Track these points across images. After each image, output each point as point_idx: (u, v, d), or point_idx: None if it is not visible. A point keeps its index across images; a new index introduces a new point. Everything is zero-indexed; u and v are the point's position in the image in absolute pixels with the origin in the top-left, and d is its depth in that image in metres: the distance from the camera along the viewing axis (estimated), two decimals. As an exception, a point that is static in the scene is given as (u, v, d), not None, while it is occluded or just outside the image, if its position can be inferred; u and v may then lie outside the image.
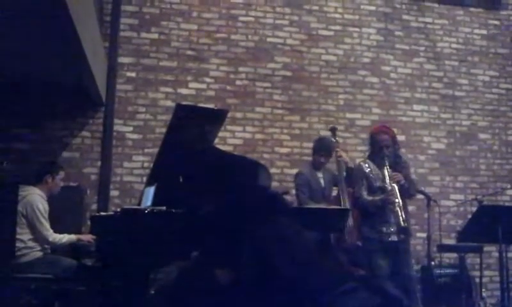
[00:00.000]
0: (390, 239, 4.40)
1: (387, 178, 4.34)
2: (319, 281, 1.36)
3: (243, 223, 1.60)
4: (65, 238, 4.59)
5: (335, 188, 5.25)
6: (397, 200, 4.28)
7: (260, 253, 1.44)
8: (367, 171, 4.53)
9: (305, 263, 1.38)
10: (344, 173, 5.05)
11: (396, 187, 4.32)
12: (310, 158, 5.49)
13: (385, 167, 4.38)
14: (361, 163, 4.63)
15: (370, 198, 4.47)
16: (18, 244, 4.37)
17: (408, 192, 4.57)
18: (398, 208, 4.25)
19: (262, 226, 1.50)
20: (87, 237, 4.61)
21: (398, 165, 4.55)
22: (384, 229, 4.40)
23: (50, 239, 4.51)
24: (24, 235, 4.44)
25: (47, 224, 4.53)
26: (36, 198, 4.55)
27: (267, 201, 1.75)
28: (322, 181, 5.18)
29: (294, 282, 1.35)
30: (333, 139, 5.25)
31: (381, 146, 4.47)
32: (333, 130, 5.34)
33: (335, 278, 1.41)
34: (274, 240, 1.42)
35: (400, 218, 4.22)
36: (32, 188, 4.62)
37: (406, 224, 4.26)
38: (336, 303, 1.30)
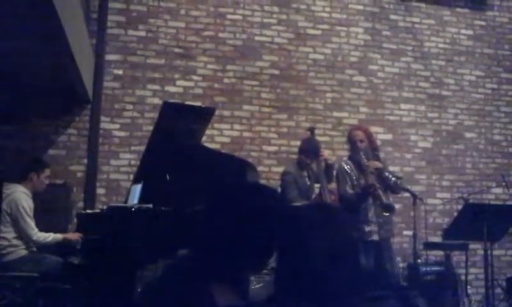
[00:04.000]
0: (372, 238, 4.44)
1: (364, 166, 4.45)
2: (348, 283, 1.34)
3: (246, 222, 1.58)
4: (50, 237, 4.53)
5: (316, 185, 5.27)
6: (377, 184, 4.37)
7: (285, 249, 1.42)
8: (347, 170, 4.63)
9: (333, 264, 1.36)
10: (323, 170, 5.08)
11: (374, 173, 4.42)
12: (295, 157, 5.48)
13: (361, 159, 4.48)
14: (343, 163, 4.76)
15: (352, 191, 4.55)
16: (3, 242, 4.34)
17: (389, 183, 4.60)
18: (379, 191, 4.34)
19: (278, 225, 1.48)
20: (74, 236, 4.55)
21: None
22: (366, 227, 4.44)
23: (35, 238, 4.46)
24: (8, 233, 4.40)
25: (31, 223, 4.48)
26: (20, 196, 4.51)
27: (271, 200, 1.74)
28: (307, 180, 5.20)
29: (320, 283, 1.33)
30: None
31: (355, 141, 4.64)
32: (312, 130, 5.34)
33: (363, 282, 1.39)
34: (298, 239, 1.40)
35: (383, 197, 4.32)
36: (16, 186, 4.57)
37: (388, 201, 4.35)
38: None
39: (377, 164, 4.53)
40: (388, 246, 4.62)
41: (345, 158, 4.88)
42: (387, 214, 4.44)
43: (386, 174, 4.60)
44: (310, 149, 5.16)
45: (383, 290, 1.37)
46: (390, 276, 4.48)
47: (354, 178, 4.59)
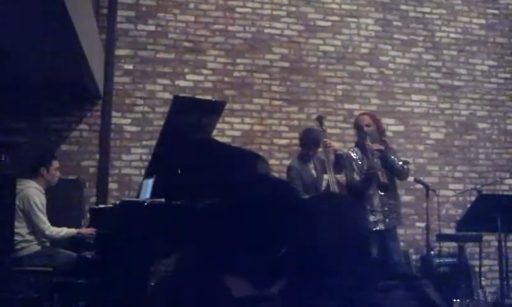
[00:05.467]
0: (377, 228, 4.43)
1: (367, 149, 4.46)
2: (360, 272, 1.33)
3: (264, 214, 1.57)
4: (63, 231, 4.56)
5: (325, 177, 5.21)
6: (378, 166, 4.38)
7: (297, 241, 1.42)
8: (354, 157, 4.65)
9: (347, 252, 1.35)
10: (332, 161, 5.01)
11: (375, 155, 4.45)
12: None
13: (365, 143, 4.48)
14: (350, 151, 4.76)
15: (359, 179, 4.56)
16: (17, 238, 4.37)
17: (395, 167, 4.57)
18: (379, 171, 4.35)
19: (295, 216, 1.47)
20: (87, 231, 4.58)
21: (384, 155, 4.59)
22: (372, 217, 4.43)
23: (47, 232, 4.49)
24: (21, 228, 4.43)
25: (43, 218, 4.51)
26: (32, 191, 4.54)
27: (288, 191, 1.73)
28: (314, 172, 5.11)
29: (333, 272, 1.32)
30: (320, 129, 5.13)
31: (361, 126, 4.63)
32: (320, 119, 5.20)
33: (375, 271, 1.38)
34: (307, 230, 1.40)
35: (380, 176, 4.32)
36: (28, 182, 4.61)
37: (385, 181, 4.35)
38: (374, 298, 1.28)
39: (379, 146, 4.53)
40: (394, 236, 4.60)
41: (351, 146, 4.88)
42: (382, 193, 4.44)
43: (392, 157, 4.58)
44: (309, 140, 5.08)
45: (389, 279, 1.36)
46: (396, 265, 4.48)
47: (361, 163, 4.59)
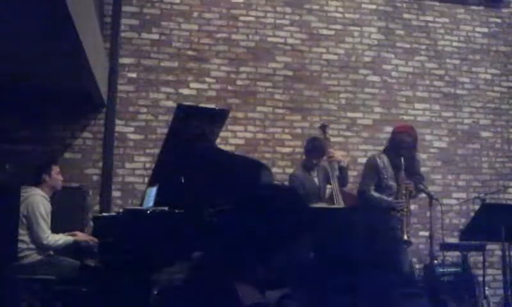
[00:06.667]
0: None
1: (401, 184, 4.36)
2: (385, 278, 1.35)
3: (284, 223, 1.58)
4: (61, 240, 4.51)
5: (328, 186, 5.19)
6: (405, 208, 4.28)
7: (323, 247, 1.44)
8: (379, 165, 4.50)
9: (373, 259, 1.37)
10: (336, 172, 4.99)
11: (407, 195, 4.35)
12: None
13: (401, 171, 4.37)
14: (376, 157, 4.61)
15: (377, 195, 4.43)
16: (21, 245, 4.36)
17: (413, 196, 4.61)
18: (405, 218, 4.26)
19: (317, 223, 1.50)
20: (85, 237, 4.57)
21: (412, 168, 4.52)
22: None
23: (45, 242, 4.42)
24: (25, 236, 4.42)
25: (44, 226, 4.47)
26: (37, 199, 4.53)
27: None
28: (316, 180, 5.10)
29: (360, 277, 1.34)
30: (323, 138, 5.15)
31: (401, 147, 4.46)
32: (324, 128, 5.21)
33: (399, 278, 1.40)
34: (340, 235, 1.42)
35: (405, 229, 4.23)
36: (33, 189, 4.61)
37: (409, 237, 4.27)
38: (396, 303, 1.29)
39: (412, 189, 4.45)
40: (403, 248, 4.58)
41: (379, 153, 4.70)
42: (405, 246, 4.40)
43: (414, 193, 4.57)
44: (313, 149, 5.09)
45: (413, 287, 1.38)
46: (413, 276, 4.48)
47: (383, 172, 4.46)
